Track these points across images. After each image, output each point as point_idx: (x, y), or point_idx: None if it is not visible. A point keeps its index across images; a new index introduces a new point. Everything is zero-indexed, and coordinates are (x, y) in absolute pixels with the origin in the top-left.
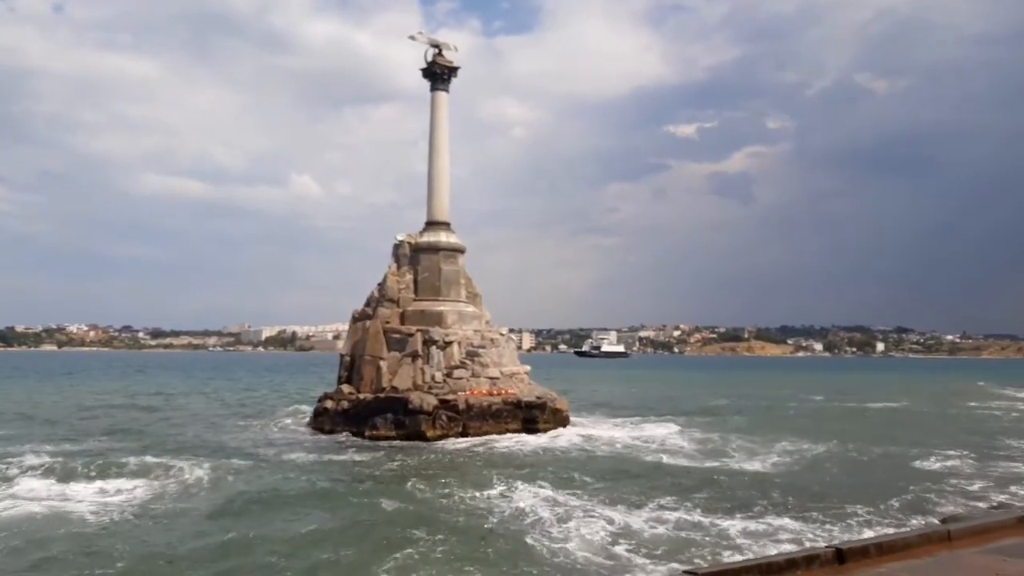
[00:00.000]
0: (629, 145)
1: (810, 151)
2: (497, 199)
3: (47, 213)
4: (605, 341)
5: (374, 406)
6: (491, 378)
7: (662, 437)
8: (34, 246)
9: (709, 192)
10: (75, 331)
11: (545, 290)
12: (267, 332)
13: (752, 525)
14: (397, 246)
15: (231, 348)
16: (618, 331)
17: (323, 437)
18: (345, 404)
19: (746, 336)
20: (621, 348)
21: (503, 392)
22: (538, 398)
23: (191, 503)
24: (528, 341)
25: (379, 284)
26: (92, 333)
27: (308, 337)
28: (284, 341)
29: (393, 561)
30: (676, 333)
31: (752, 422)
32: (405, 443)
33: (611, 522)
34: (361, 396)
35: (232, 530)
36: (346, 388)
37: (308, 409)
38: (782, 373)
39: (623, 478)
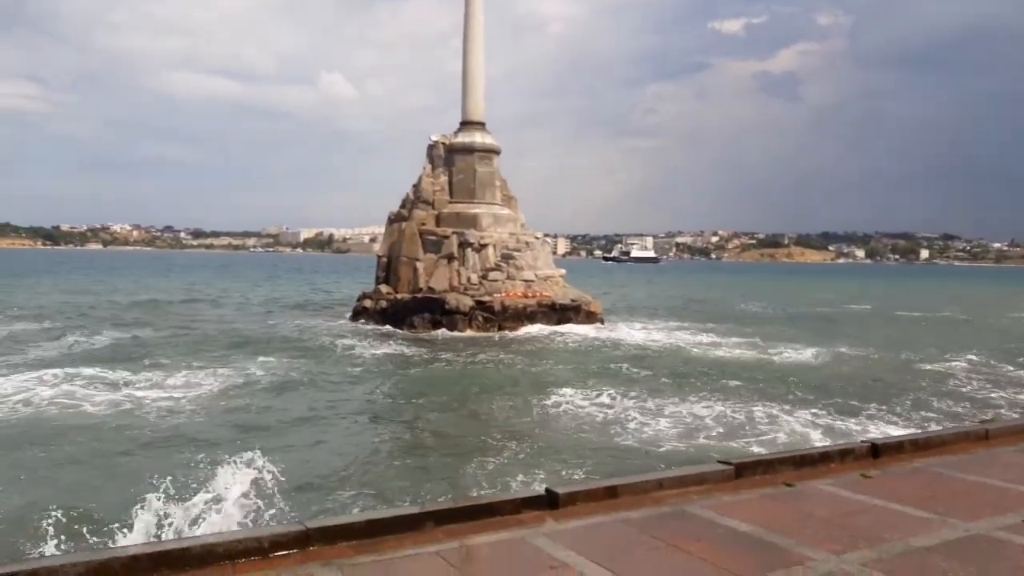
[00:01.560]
0: (670, 43)
1: (863, 49)
2: (533, 101)
3: (86, 114)
4: (635, 246)
5: (411, 306)
6: (526, 281)
7: (696, 338)
8: (76, 147)
9: (753, 92)
10: (119, 231)
11: (581, 195)
12: (305, 234)
13: (790, 418)
14: (431, 147)
15: (270, 249)
16: (654, 237)
17: (367, 327)
18: (383, 303)
19: (786, 242)
20: (652, 253)
21: (538, 294)
22: (572, 300)
23: (252, 390)
24: (563, 246)
25: (414, 186)
26: (135, 233)
27: (345, 239)
28: (321, 243)
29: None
30: (714, 239)
31: (791, 326)
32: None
33: (663, 413)
34: (399, 296)
35: (300, 411)
36: (384, 288)
37: (347, 308)
38: (822, 279)
39: (663, 372)
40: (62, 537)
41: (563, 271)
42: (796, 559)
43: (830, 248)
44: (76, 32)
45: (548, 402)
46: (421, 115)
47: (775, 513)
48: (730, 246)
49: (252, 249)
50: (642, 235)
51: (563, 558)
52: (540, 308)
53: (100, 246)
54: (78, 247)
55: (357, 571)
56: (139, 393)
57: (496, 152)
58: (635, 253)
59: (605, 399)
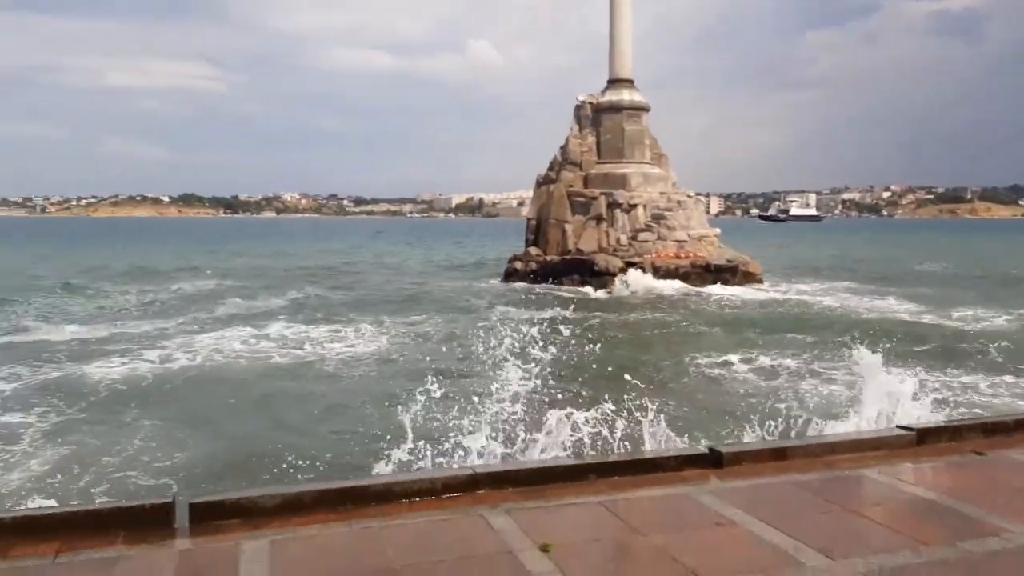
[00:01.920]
0: None
1: None
2: (683, 55)
3: (258, 92)
4: (795, 203)
5: (560, 268)
6: (678, 241)
7: (866, 300)
8: (251, 122)
9: (928, 34)
10: (289, 199)
11: (735, 151)
12: (457, 199)
13: (980, 386)
14: (578, 107)
15: (424, 215)
16: (817, 194)
17: (518, 287)
18: (533, 265)
19: (969, 197)
20: (813, 211)
21: (691, 255)
22: (728, 261)
23: (418, 344)
24: (716, 205)
25: (561, 148)
26: (304, 201)
27: (494, 204)
28: (472, 208)
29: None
30: (885, 195)
31: (976, 288)
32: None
33: (832, 379)
34: (548, 258)
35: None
36: (533, 250)
37: (498, 271)
38: (1013, 237)
39: (829, 335)
40: (262, 472)
41: (717, 230)
42: (989, 530)
43: (1020, 203)
44: (247, 14)
45: (704, 364)
46: (567, 76)
47: (963, 481)
48: (904, 202)
49: (408, 215)
50: (803, 191)
51: (729, 515)
52: (693, 269)
53: (273, 214)
54: (254, 215)
55: (524, 515)
56: (319, 347)
57: (645, 109)
58: (795, 211)
59: (766, 362)
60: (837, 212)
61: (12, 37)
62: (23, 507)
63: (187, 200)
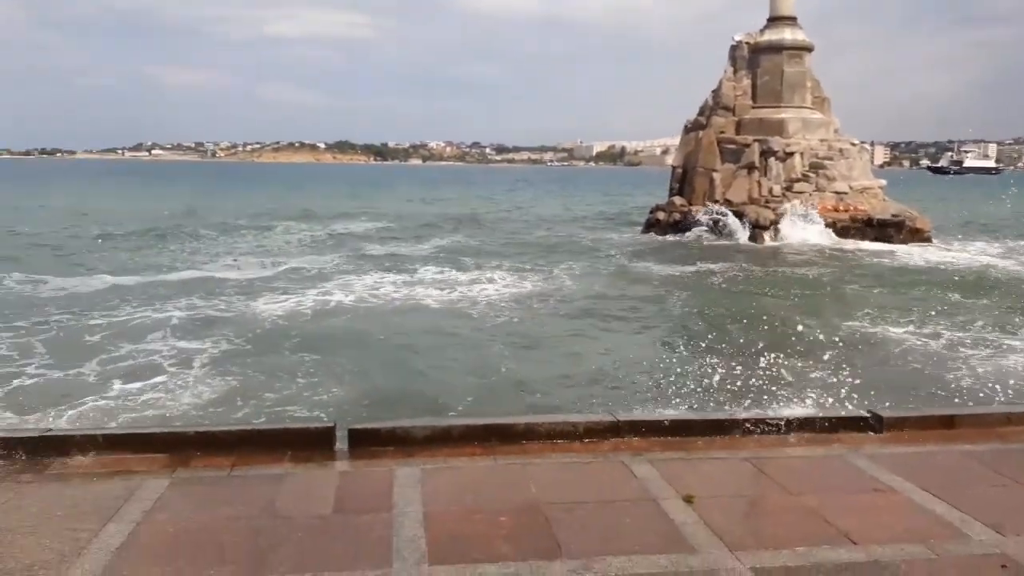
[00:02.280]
0: None
1: None
2: None
3: (406, 38)
4: (971, 154)
5: (706, 218)
6: (838, 192)
7: None
8: (399, 69)
9: None
10: (435, 147)
11: (906, 96)
12: (598, 147)
13: None
14: (734, 48)
15: (565, 163)
16: (999, 144)
17: (659, 239)
18: (676, 216)
19: None
20: (991, 163)
21: (851, 208)
22: (893, 216)
23: (558, 294)
24: (881, 155)
25: (713, 91)
26: (448, 149)
27: (636, 152)
28: (613, 156)
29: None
30: None
31: None
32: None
33: (1013, 348)
34: (693, 208)
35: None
36: (678, 200)
37: (638, 221)
38: None
39: (1010, 302)
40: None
41: (882, 182)
42: None
43: None
44: None
45: (861, 326)
46: (722, 16)
47: None
48: None
49: (549, 163)
50: (983, 141)
51: (887, 481)
52: (854, 223)
53: (419, 161)
54: (401, 162)
55: (666, 466)
56: (465, 291)
57: (808, 49)
58: (969, 162)
59: (933, 328)
60: (1021, 164)
61: None
62: (203, 425)
63: (341, 147)
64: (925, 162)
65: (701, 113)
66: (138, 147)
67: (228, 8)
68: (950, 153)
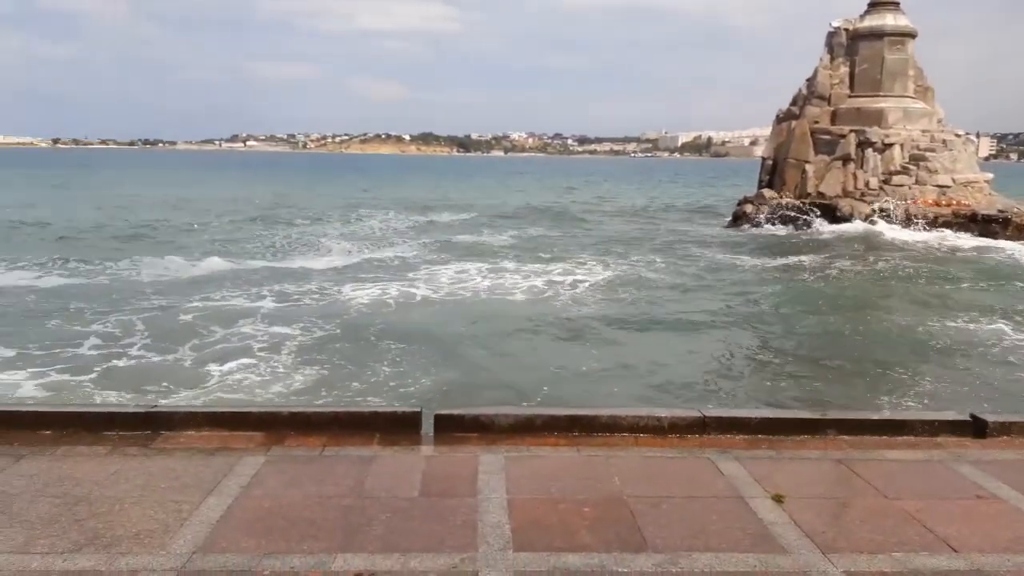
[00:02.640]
0: None
1: None
2: None
3: (491, 31)
4: None
5: (797, 212)
6: (940, 186)
7: None
8: (483, 61)
9: None
10: (516, 138)
11: (1017, 84)
12: (683, 138)
13: None
14: (832, 34)
15: (648, 155)
16: None
17: (746, 233)
18: (766, 209)
19: None
20: None
21: (954, 203)
22: (1000, 211)
23: (640, 286)
24: (987, 147)
25: (807, 80)
26: (530, 140)
27: (723, 143)
28: (699, 147)
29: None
30: None
31: None
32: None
33: None
34: (783, 201)
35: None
36: (767, 192)
37: (725, 214)
38: None
39: None
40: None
41: (989, 176)
42: None
43: None
44: None
45: (964, 327)
46: (819, 2)
47: None
48: None
49: (632, 155)
50: None
51: (992, 489)
52: (956, 219)
53: (501, 153)
54: (484, 154)
55: (755, 464)
56: (548, 283)
57: (911, 36)
58: None
59: None
60: None
61: None
62: (297, 406)
63: (425, 139)
64: None
65: (794, 103)
66: (234, 138)
67: (320, 2)
68: None
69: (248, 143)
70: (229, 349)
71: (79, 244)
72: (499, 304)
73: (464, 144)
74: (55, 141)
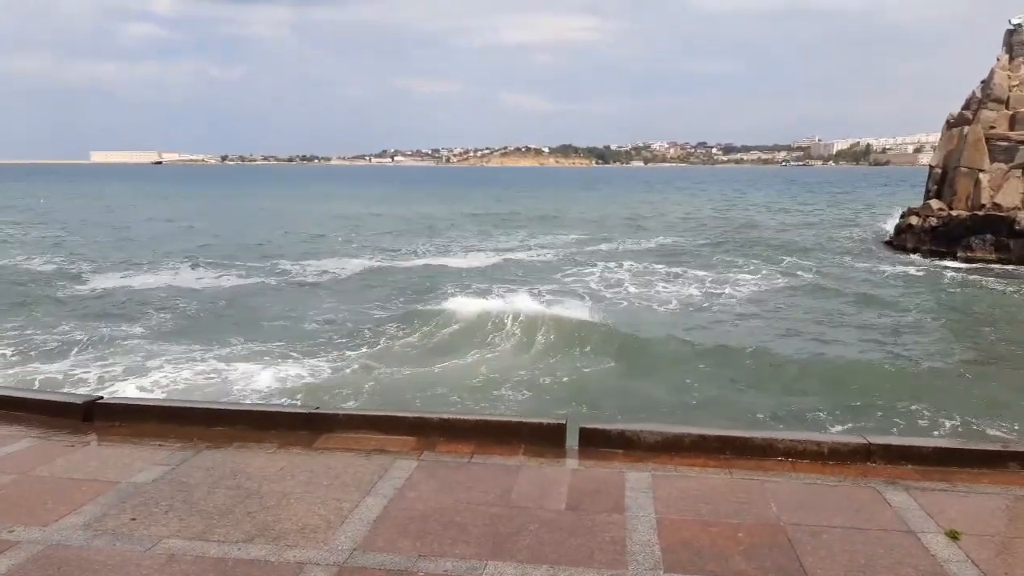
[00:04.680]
0: None
1: None
2: None
3: (634, 38)
4: None
5: (969, 225)
6: None
7: None
8: (625, 70)
9: None
10: (658, 148)
11: None
12: (839, 145)
13: None
14: (1012, 32)
15: (800, 163)
16: None
17: (901, 256)
18: (933, 221)
19: None
20: None
21: None
22: None
23: (793, 297)
24: None
25: (982, 82)
26: (672, 150)
27: (884, 150)
28: (856, 155)
29: None
30: None
31: None
32: (1007, 267)
33: None
34: (953, 213)
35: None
36: (935, 204)
37: (888, 226)
38: None
39: None
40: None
41: None
42: None
43: None
44: None
45: None
46: None
47: None
48: None
49: (782, 163)
50: None
51: None
52: None
53: (642, 163)
54: (624, 165)
55: (926, 497)
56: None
57: None
58: None
59: None
60: None
61: (426, 5)
62: (446, 412)
63: (564, 151)
64: None
65: (967, 106)
66: (383, 154)
67: (465, 19)
68: None
69: (396, 158)
70: (350, 334)
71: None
72: (646, 312)
73: (603, 155)
74: (223, 158)
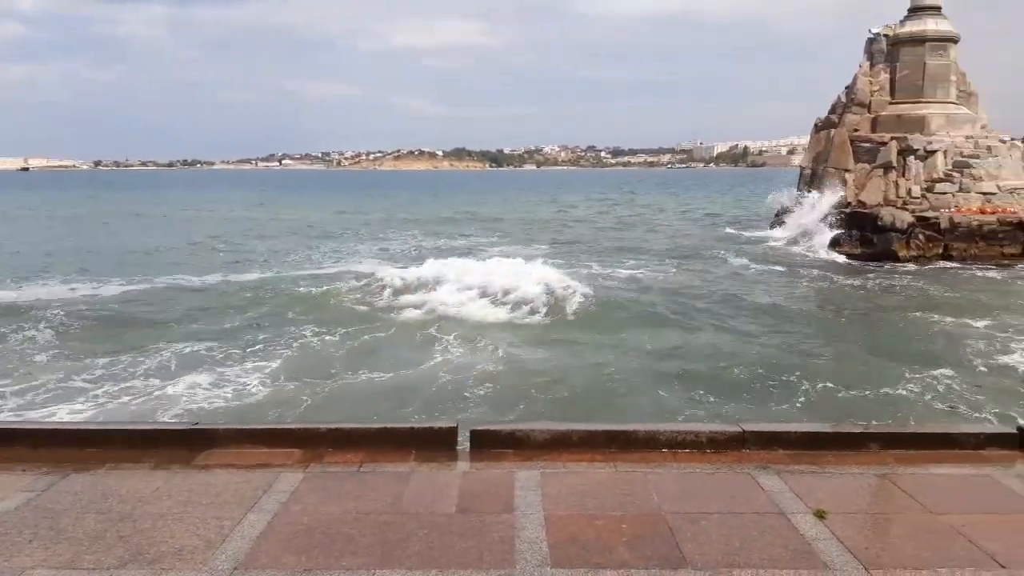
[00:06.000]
0: None
1: None
2: None
3: (525, 43)
4: None
5: (837, 222)
6: (984, 193)
7: None
8: (515, 75)
9: None
10: (549, 152)
11: None
12: (719, 148)
13: None
14: (871, 40)
15: (684, 165)
16: None
17: (776, 249)
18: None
19: None
20: None
21: (1001, 210)
22: None
23: (649, 291)
24: None
25: (847, 87)
26: (563, 153)
27: (760, 152)
28: (735, 157)
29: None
30: None
31: None
32: (871, 263)
33: None
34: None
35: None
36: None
37: (762, 224)
38: None
39: None
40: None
41: None
42: None
43: None
44: None
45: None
46: (858, 6)
47: None
48: None
49: (667, 166)
50: None
51: None
52: (1002, 226)
53: (534, 167)
54: (516, 168)
55: (796, 480)
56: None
57: (953, 40)
58: None
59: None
60: None
61: (320, 8)
62: (335, 422)
63: (458, 154)
64: None
65: (833, 111)
66: (270, 157)
67: (356, 22)
68: None
69: (284, 162)
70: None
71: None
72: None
73: (496, 159)
74: (96, 163)
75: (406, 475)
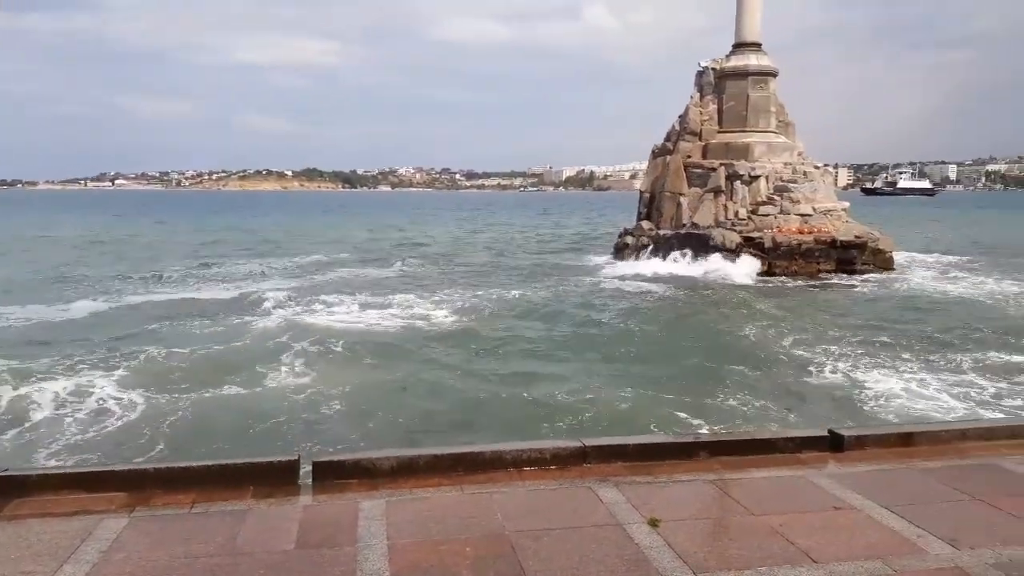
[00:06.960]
0: None
1: None
2: (820, 12)
3: (375, 65)
4: (904, 175)
5: (674, 242)
6: (802, 215)
7: (1008, 288)
8: (367, 95)
9: None
10: (404, 173)
11: (871, 119)
12: (567, 172)
13: None
14: (700, 73)
15: (535, 188)
16: (959, 164)
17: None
18: (645, 240)
19: None
20: (926, 184)
21: (816, 230)
22: (857, 237)
23: (498, 316)
24: (845, 177)
25: (680, 117)
26: (418, 175)
27: (606, 176)
28: (583, 181)
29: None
30: None
31: None
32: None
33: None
34: (661, 232)
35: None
36: (646, 224)
37: (607, 244)
38: None
39: (962, 330)
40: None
41: (846, 204)
42: None
43: None
44: None
45: (799, 354)
46: (688, 41)
47: None
48: None
49: (520, 189)
50: (944, 163)
51: (848, 500)
52: (817, 245)
53: (389, 188)
54: (370, 189)
55: (632, 489)
56: (425, 314)
57: (772, 75)
58: (903, 183)
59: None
60: (980, 184)
61: (151, 17)
62: (164, 461)
63: (309, 175)
64: (879, 184)
65: (668, 138)
66: (101, 177)
67: (195, 35)
68: (885, 175)
69: (117, 181)
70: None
71: None
72: (373, 338)
73: (350, 180)
74: None
75: (242, 513)
